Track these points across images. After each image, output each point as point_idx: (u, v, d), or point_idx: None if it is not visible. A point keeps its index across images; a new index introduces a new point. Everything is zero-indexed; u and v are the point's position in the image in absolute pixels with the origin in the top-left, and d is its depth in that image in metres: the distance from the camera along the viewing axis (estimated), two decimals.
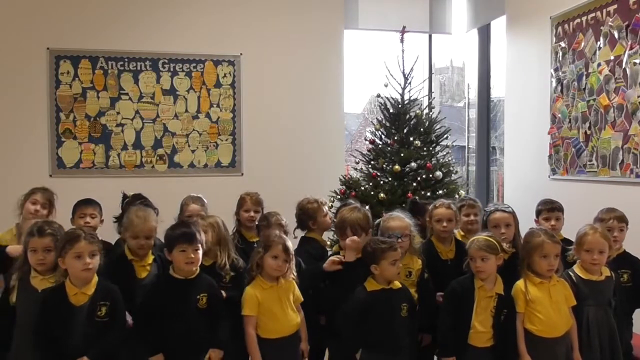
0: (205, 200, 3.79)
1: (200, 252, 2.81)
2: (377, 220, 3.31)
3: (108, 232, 3.34)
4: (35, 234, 2.75)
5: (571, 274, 3.02)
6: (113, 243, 3.28)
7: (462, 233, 3.51)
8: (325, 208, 3.58)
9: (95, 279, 2.69)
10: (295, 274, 2.97)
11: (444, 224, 3.32)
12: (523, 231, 3.16)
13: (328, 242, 3.70)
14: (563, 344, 2.85)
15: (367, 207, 3.46)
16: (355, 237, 3.02)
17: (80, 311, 2.62)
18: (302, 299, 2.98)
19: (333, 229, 3.38)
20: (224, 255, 3.07)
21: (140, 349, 2.74)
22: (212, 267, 3.03)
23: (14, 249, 3.03)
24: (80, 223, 3.39)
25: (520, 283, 2.91)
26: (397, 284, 2.92)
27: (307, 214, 3.49)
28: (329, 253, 3.38)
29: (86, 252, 2.63)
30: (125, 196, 3.64)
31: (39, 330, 2.61)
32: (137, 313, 2.81)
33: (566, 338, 2.87)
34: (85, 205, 3.52)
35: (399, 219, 3.18)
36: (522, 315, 2.86)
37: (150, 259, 3.04)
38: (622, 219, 3.24)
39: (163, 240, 3.39)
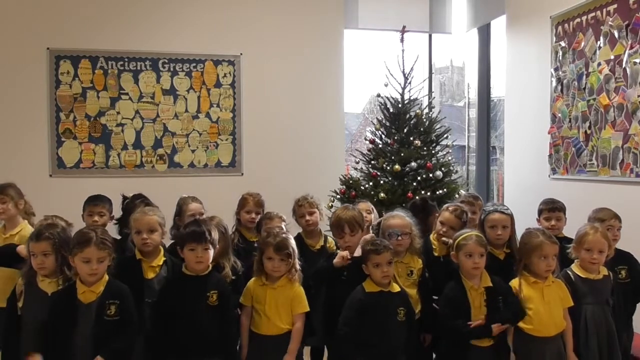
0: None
1: (211, 251, 2.81)
2: (379, 219, 3.31)
3: (111, 233, 3.33)
4: (33, 238, 2.74)
5: (569, 272, 3.02)
6: None
7: None
8: (304, 210, 3.52)
9: (106, 277, 2.67)
10: (300, 272, 2.95)
11: (444, 228, 3.31)
12: (520, 232, 3.15)
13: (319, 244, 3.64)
14: (554, 344, 2.84)
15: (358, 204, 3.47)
16: (344, 253, 3.01)
17: (89, 309, 2.60)
18: (306, 309, 2.91)
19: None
20: (228, 262, 3.06)
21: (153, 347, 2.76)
22: (213, 269, 3.02)
23: (24, 248, 3.00)
24: (89, 221, 3.40)
25: (514, 282, 2.92)
26: (395, 288, 2.90)
27: (293, 211, 3.57)
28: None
29: (94, 258, 2.60)
30: (124, 198, 3.64)
31: (45, 329, 2.59)
32: (152, 311, 2.81)
33: (558, 339, 2.86)
34: (93, 203, 3.52)
35: (400, 217, 3.18)
36: None
37: (160, 260, 2.96)
38: (619, 218, 3.27)
39: (168, 242, 3.39)
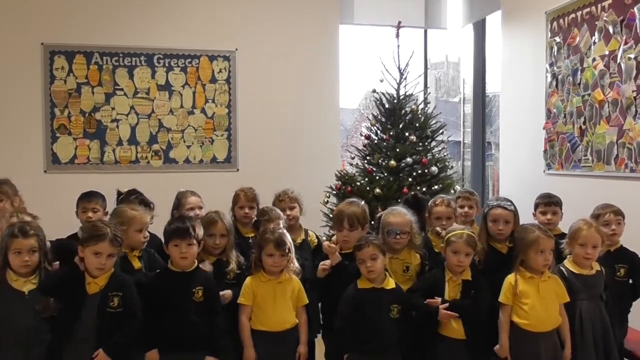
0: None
1: (195, 247, 2.83)
2: (379, 214, 3.32)
3: None
4: (18, 235, 2.68)
5: (562, 268, 3.03)
6: None
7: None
8: (285, 205, 3.54)
9: (111, 270, 2.69)
10: (298, 267, 2.98)
11: (443, 222, 3.33)
12: None
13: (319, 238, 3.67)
14: (549, 340, 2.85)
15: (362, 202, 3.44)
16: (328, 243, 3.06)
17: (92, 301, 2.61)
18: (307, 301, 2.98)
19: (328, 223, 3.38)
20: (233, 257, 3.11)
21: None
22: (215, 264, 3.05)
23: None
24: (83, 218, 3.40)
25: (511, 277, 2.92)
26: (390, 284, 2.91)
27: (273, 205, 3.58)
28: None
29: (105, 253, 2.62)
30: (119, 193, 3.64)
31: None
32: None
33: (553, 334, 2.87)
34: (86, 199, 3.50)
35: (400, 215, 3.16)
36: (508, 307, 2.88)
37: (138, 252, 3.04)
38: (618, 213, 3.25)
39: (159, 236, 3.40)
